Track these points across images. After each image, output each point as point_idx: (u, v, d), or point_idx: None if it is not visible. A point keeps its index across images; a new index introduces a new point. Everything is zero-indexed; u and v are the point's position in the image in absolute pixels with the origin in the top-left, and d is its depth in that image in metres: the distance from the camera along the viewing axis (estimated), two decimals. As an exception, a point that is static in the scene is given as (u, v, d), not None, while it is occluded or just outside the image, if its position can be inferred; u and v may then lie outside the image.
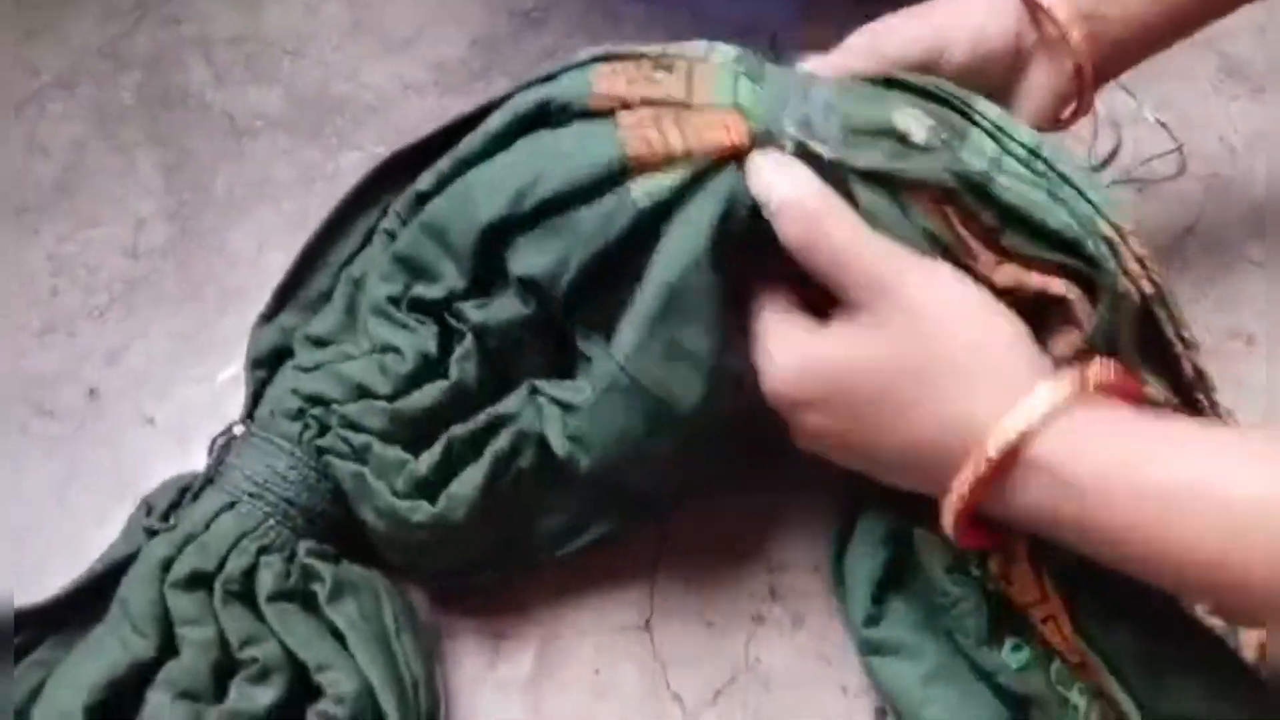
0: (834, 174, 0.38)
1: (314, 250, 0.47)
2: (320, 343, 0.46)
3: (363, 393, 0.43)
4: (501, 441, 0.42)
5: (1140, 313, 0.39)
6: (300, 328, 0.47)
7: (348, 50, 0.67)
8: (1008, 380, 0.36)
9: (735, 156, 0.38)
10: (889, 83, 0.40)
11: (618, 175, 0.39)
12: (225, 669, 0.40)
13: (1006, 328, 0.37)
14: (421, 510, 0.41)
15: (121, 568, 0.42)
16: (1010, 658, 0.42)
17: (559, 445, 0.42)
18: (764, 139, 0.38)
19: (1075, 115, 0.49)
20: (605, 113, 0.39)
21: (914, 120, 0.38)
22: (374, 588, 0.44)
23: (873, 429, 0.38)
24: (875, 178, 0.38)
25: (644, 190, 0.38)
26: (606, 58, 0.41)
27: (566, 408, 0.42)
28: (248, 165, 0.62)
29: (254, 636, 0.40)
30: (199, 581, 0.40)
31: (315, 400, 0.43)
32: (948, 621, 0.42)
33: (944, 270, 0.38)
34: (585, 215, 0.39)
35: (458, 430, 0.42)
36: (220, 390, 0.54)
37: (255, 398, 0.46)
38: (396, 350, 0.43)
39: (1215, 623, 0.41)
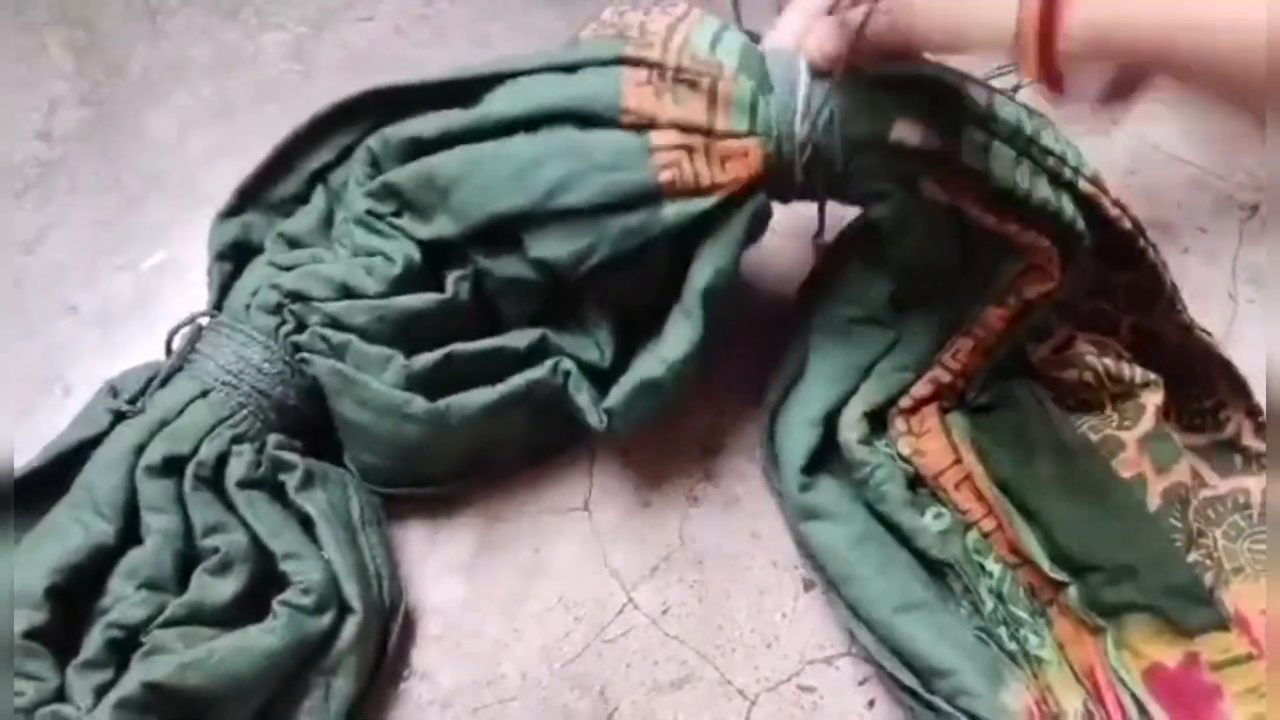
0: (842, 180, 0.42)
1: (283, 155, 0.47)
2: (295, 243, 0.46)
3: (347, 292, 0.43)
4: (517, 382, 0.44)
5: (1126, 246, 0.44)
6: (266, 225, 0.47)
7: (266, -76, 0.64)
8: None
9: (754, 184, 0.42)
10: (884, 80, 0.41)
11: (650, 197, 0.41)
12: (188, 560, 0.40)
13: None
14: (416, 403, 0.42)
15: (80, 450, 0.41)
16: (932, 523, 0.44)
17: (596, 418, 0.44)
18: (776, 160, 0.41)
19: None
20: (635, 127, 0.41)
21: (909, 130, 0.40)
22: (343, 481, 0.44)
23: None
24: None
25: (675, 210, 0.41)
26: (630, 61, 0.41)
27: (591, 372, 0.45)
28: (163, 46, 0.60)
29: (219, 525, 0.40)
30: (171, 467, 0.40)
31: (296, 297, 0.43)
32: (869, 494, 0.45)
33: None
34: (614, 222, 0.41)
35: (461, 347, 0.43)
36: (145, 277, 0.53)
37: (222, 290, 0.46)
38: (384, 255, 0.43)
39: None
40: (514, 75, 0.43)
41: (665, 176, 0.40)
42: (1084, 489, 0.43)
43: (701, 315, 0.42)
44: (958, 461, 0.44)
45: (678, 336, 0.43)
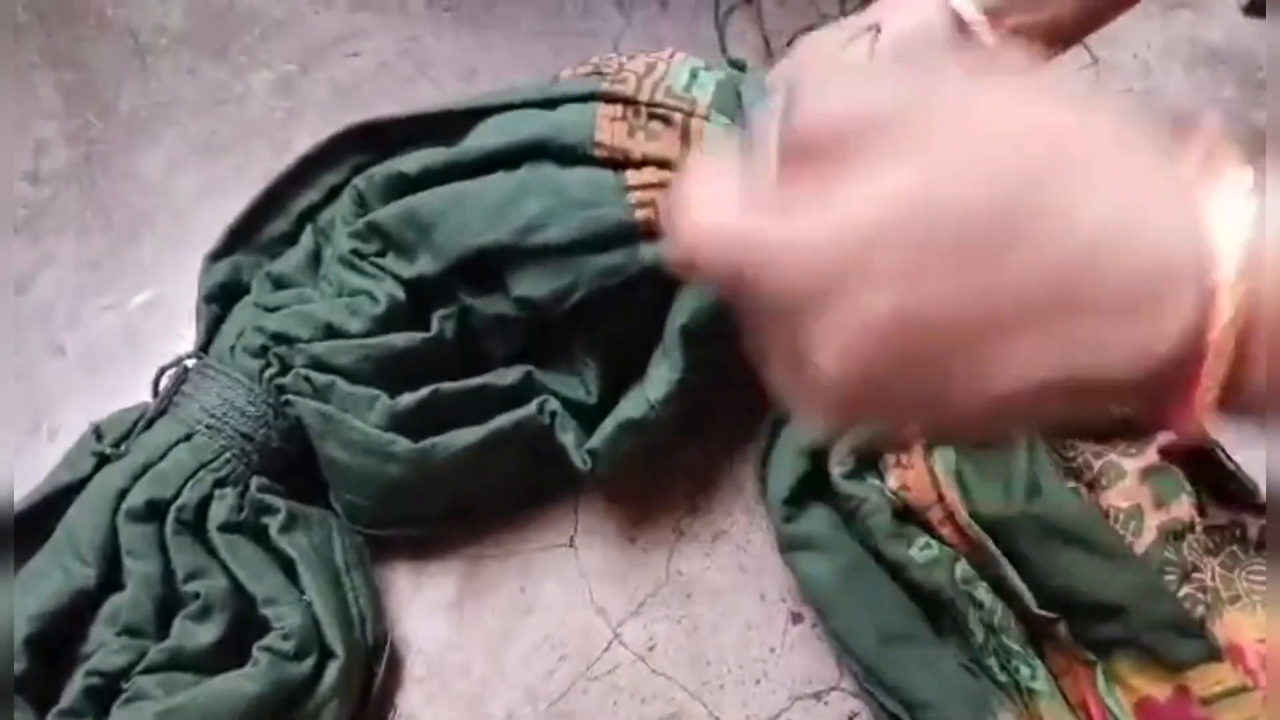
0: None
1: (272, 196, 0.47)
2: (282, 283, 0.46)
3: (331, 332, 0.43)
4: (503, 421, 0.44)
5: None
6: (254, 265, 0.47)
7: (254, -37, 0.64)
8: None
9: None
10: None
11: (628, 236, 0.41)
12: (169, 605, 0.40)
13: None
14: (401, 444, 0.42)
15: (66, 493, 0.41)
16: (918, 554, 0.44)
17: (579, 459, 0.44)
18: None
19: None
20: (609, 163, 0.41)
21: None
22: (327, 523, 0.44)
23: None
24: None
25: (653, 251, 0.41)
26: (603, 96, 0.42)
27: (576, 410, 0.45)
28: (152, 85, 0.60)
29: (200, 570, 0.40)
30: (153, 511, 0.40)
31: (280, 339, 0.43)
32: (857, 526, 0.44)
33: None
34: (593, 260, 0.41)
35: (446, 386, 0.44)
36: (133, 317, 0.53)
37: (210, 331, 0.46)
38: (368, 294, 0.44)
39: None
40: (494, 110, 0.43)
41: (640, 215, 0.40)
42: (1066, 532, 0.42)
43: (681, 355, 0.42)
44: (941, 499, 0.44)
45: (659, 376, 0.43)
